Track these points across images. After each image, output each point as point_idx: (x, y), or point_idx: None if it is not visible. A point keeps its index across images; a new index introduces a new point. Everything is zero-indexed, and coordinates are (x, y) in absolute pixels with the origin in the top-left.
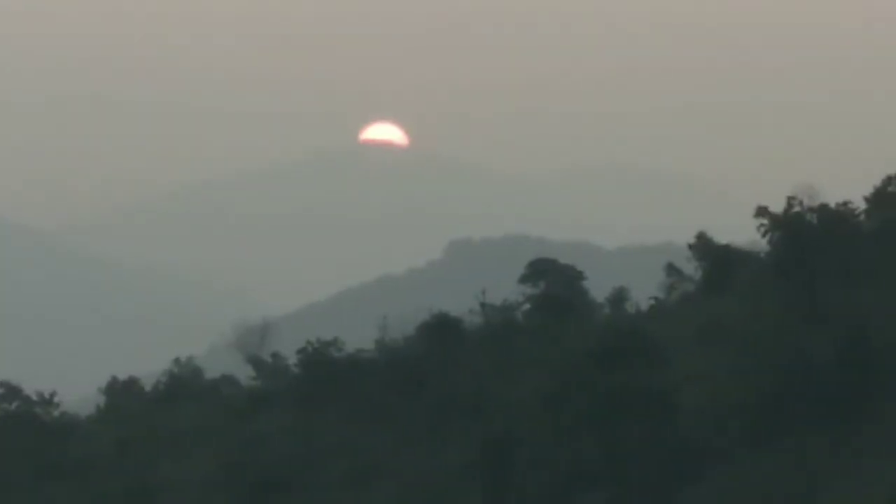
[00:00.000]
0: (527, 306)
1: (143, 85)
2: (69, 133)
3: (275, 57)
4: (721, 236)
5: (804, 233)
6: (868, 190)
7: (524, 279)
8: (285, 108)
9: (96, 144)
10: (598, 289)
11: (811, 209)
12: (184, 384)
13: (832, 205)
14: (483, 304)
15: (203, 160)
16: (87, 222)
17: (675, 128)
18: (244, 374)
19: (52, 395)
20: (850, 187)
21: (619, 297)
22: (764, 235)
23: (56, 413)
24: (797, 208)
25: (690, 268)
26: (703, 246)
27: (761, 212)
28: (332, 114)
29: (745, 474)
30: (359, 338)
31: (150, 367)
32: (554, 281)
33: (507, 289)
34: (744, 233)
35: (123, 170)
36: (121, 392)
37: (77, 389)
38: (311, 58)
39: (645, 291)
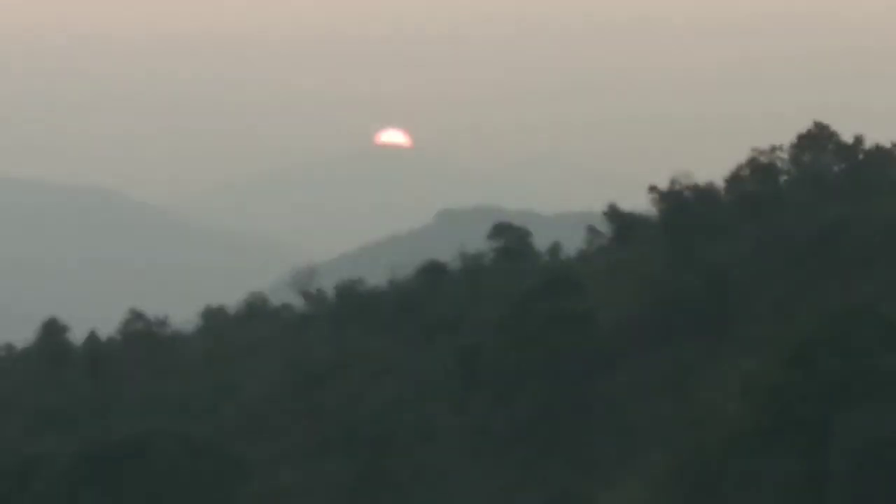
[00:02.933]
0: (492, 255)
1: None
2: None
3: (321, 79)
4: (625, 206)
5: (682, 204)
6: (726, 173)
7: (490, 236)
8: (326, 120)
9: (187, 140)
10: (541, 243)
11: (687, 187)
12: (256, 310)
13: (701, 184)
14: (462, 254)
15: (268, 154)
16: (186, 198)
17: (595, 128)
18: (297, 302)
19: (166, 318)
20: (714, 172)
21: (554, 249)
22: (655, 206)
23: (168, 331)
24: (677, 187)
25: (604, 228)
26: (613, 213)
27: (653, 189)
28: (356, 124)
29: (643, 371)
30: (376, 277)
31: (233, 298)
32: (510, 238)
33: (478, 243)
34: (641, 204)
35: (215, 159)
36: (213, 315)
37: (183, 314)
38: (344, 81)
39: (573, 245)
